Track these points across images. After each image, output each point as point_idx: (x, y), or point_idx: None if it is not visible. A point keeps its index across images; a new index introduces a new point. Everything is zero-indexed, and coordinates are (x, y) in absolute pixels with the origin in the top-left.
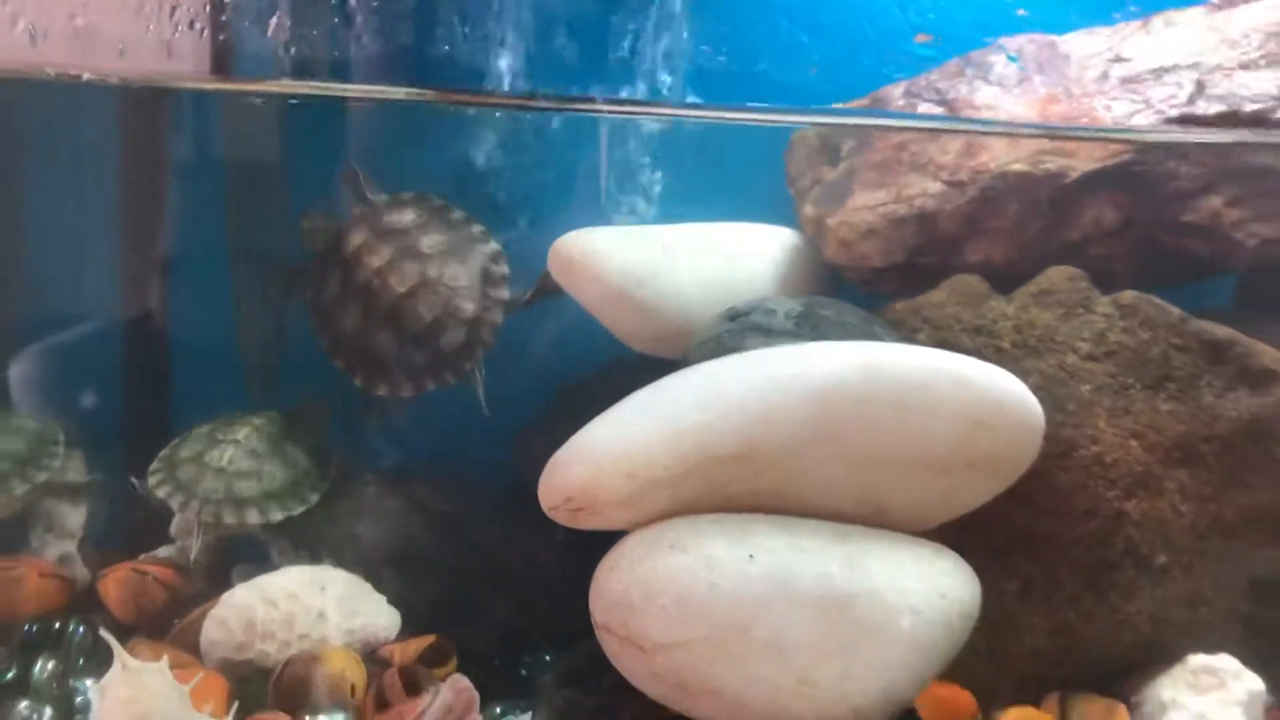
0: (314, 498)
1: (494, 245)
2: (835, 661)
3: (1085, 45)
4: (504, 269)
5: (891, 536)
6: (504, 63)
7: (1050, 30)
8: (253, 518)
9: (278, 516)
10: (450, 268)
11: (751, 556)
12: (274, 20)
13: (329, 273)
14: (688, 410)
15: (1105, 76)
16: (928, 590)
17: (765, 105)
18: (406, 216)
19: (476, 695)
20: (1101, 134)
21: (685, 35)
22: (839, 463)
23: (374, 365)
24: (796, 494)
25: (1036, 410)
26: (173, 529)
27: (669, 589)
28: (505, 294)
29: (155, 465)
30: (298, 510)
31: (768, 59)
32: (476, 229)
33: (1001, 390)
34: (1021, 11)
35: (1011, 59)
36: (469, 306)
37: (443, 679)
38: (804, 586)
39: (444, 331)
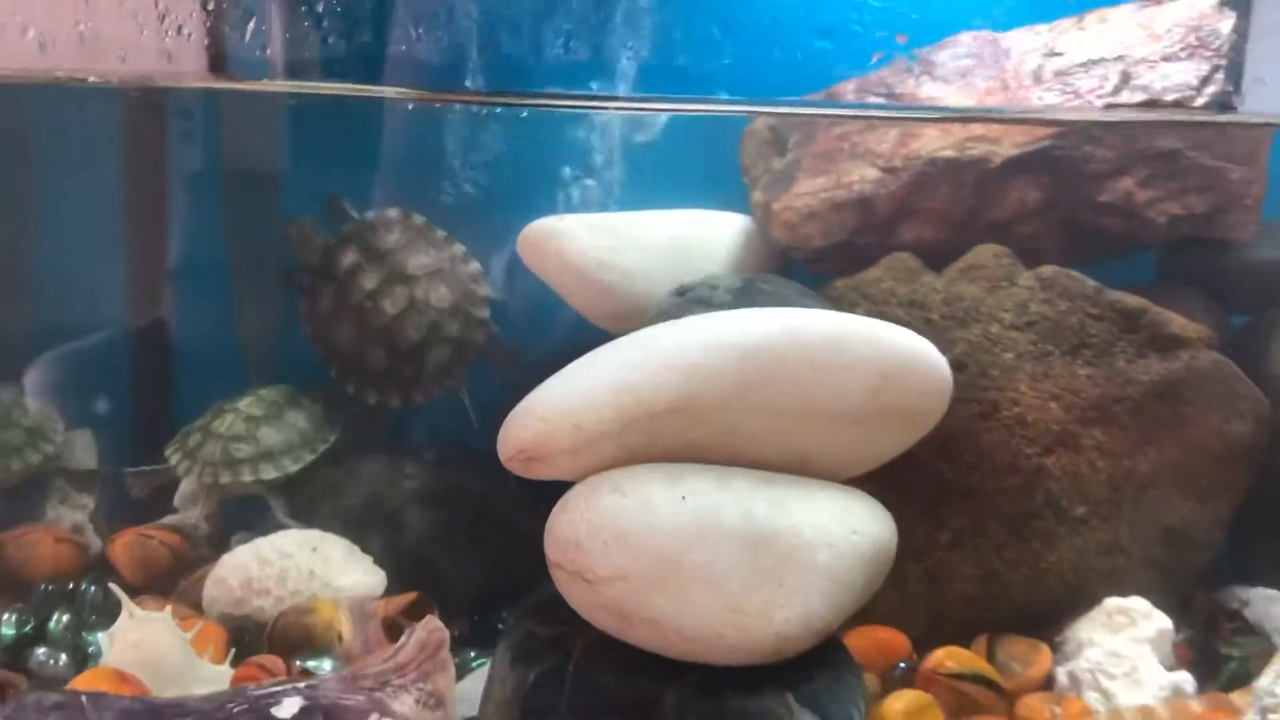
0: (308, 457)
1: (475, 265)
2: (761, 591)
3: (1024, 41)
4: (485, 290)
5: (812, 482)
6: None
7: (1002, 27)
8: (245, 475)
9: (270, 474)
10: (437, 289)
11: (684, 498)
12: (250, 25)
13: (320, 287)
14: (628, 369)
15: (1040, 69)
16: (842, 528)
17: (729, 97)
18: (391, 237)
19: (447, 634)
20: (1024, 117)
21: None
22: (764, 416)
23: (366, 378)
24: (727, 445)
25: (941, 365)
26: (176, 499)
27: (611, 527)
28: (486, 314)
29: (176, 437)
30: (292, 468)
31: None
32: (459, 249)
33: (907, 348)
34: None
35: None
36: (454, 327)
37: None
38: (731, 524)
39: (430, 350)
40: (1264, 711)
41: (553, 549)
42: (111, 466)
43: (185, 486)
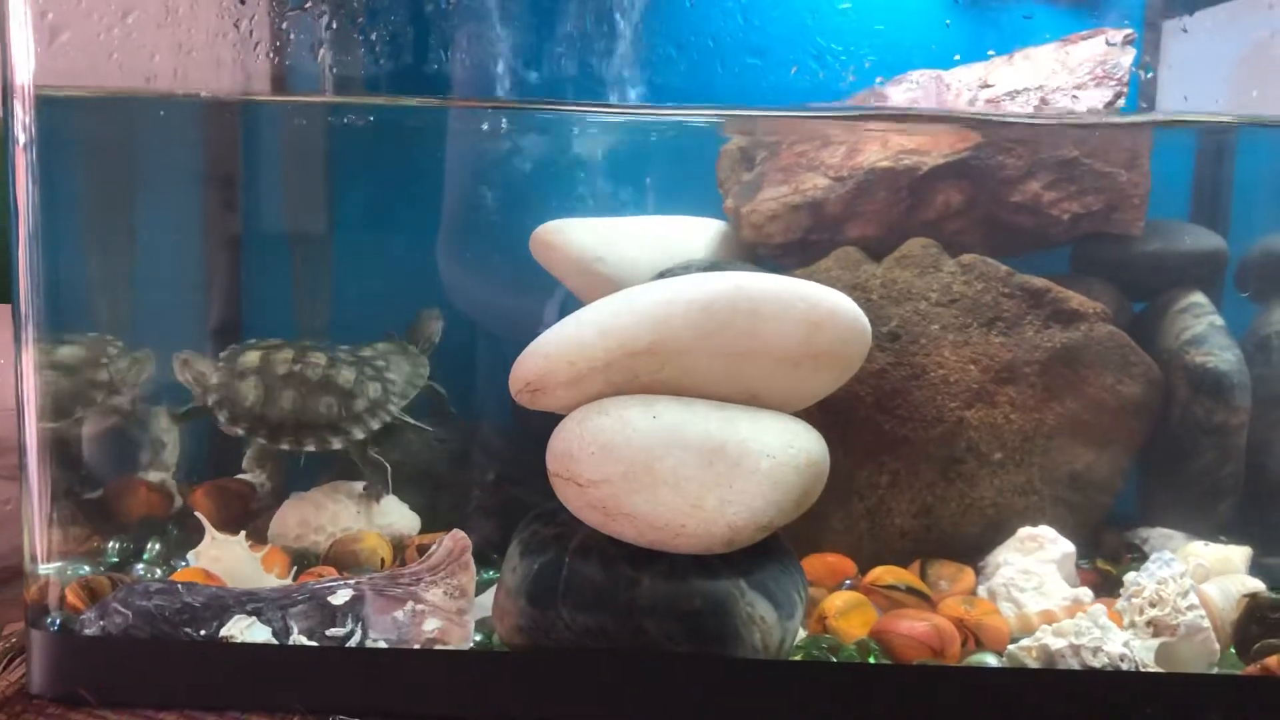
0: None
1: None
2: (716, 491)
3: (962, 76)
4: None
5: (758, 410)
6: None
7: (946, 66)
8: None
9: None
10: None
11: (655, 417)
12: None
13: None
14: (611, 318)
15: (974, 99)
16: (781, 442)
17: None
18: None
19: (470, 542)
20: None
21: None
22: (719, 358)
23: None
24: (691, 382)
25: (860, 317)
26: (245, 462)
27: (597, 440)
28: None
29: None
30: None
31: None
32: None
33: (832, 302)
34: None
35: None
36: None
37: None
38: (692, 437)
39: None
40: (1129, 596)
41: (552, 460)
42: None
43: (249, 454)
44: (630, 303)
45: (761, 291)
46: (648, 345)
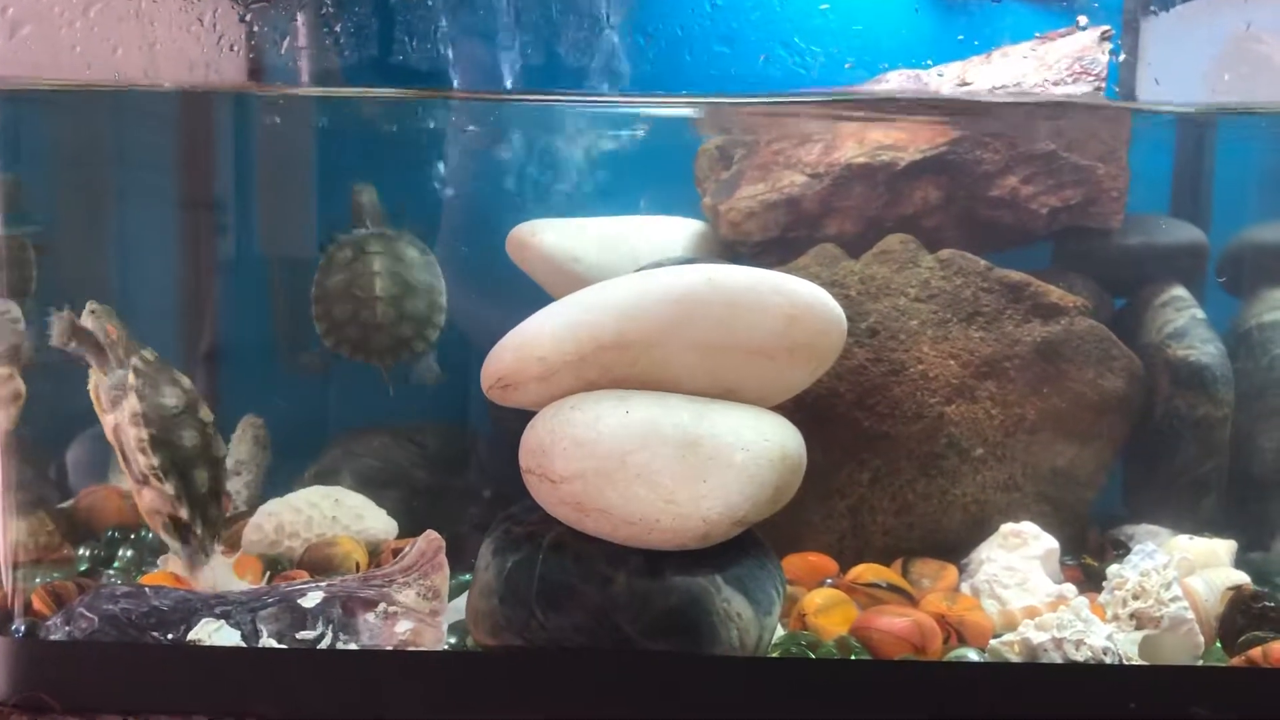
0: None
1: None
2: (690, 485)
3: (941, 74)
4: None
5: (733, 404)
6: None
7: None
8: None
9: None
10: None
11: (628, 412)
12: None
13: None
14: (582, 312)
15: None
16: (756, 435)
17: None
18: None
19: (444, 542)
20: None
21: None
22: (694, 351)
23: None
24: (666, 376)
25: (835, 309)
26: None
27: (570, 435)
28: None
29: None
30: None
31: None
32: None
33: (808, 294)
34: None
35: None
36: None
37: None
38: (665, 431)
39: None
40: (1112, 589)
41: (525, 457)
42: None
43: (229, 461)
44: (602, 296)
45: (734, 284)
46: (620, 339)
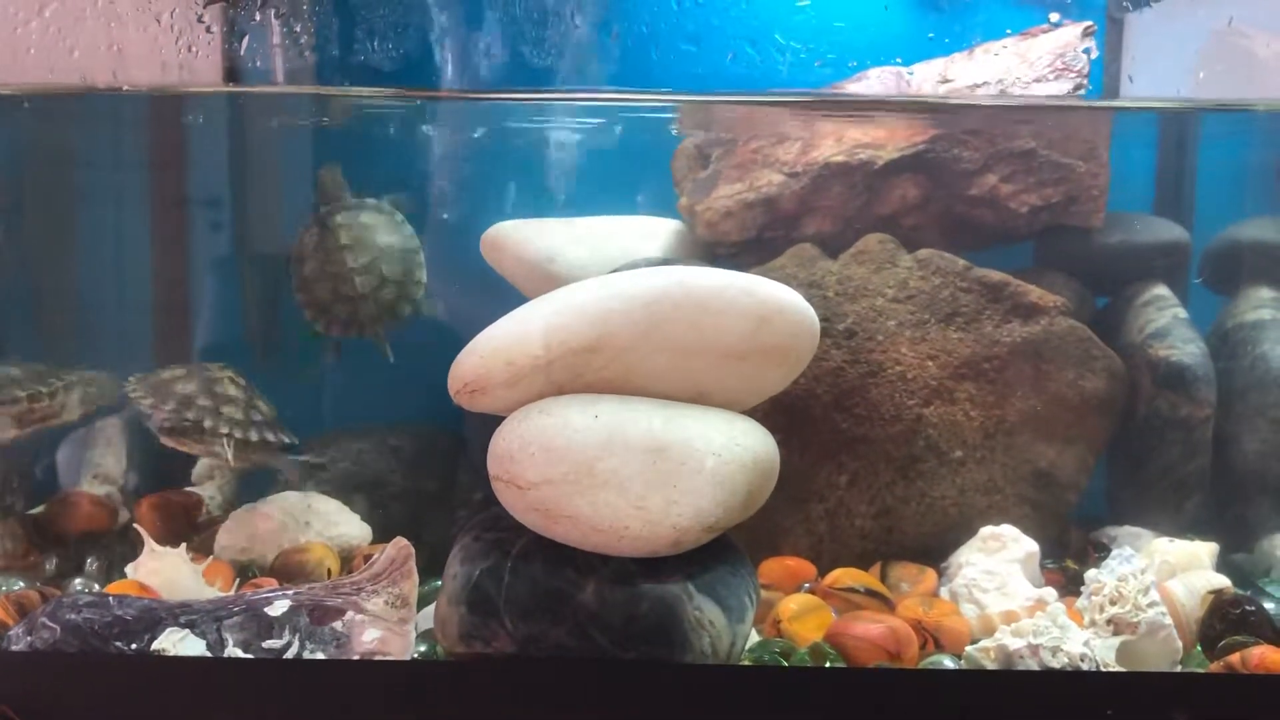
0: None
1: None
2: (660, 491)
3: (923, 72)
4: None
5: (704, 408)
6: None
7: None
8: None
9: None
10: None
11: (596, 416)
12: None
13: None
14: (551, 315)
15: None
16: (727, 440)
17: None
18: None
19: (413, 550)
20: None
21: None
22: (664, 354)
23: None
24: (636, 380)
25: (807, 311)
26: (194, 475)
27: (538, 441)
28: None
29: None
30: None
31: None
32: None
33: (779, 297)
34: None
35: None
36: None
37: None
38: (634, 436)
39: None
40: (1089, 594)
41: (493, 464)
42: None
43: (200, 466)
44: (571, 299)
45: (704, 286)
46: (589, 342)
